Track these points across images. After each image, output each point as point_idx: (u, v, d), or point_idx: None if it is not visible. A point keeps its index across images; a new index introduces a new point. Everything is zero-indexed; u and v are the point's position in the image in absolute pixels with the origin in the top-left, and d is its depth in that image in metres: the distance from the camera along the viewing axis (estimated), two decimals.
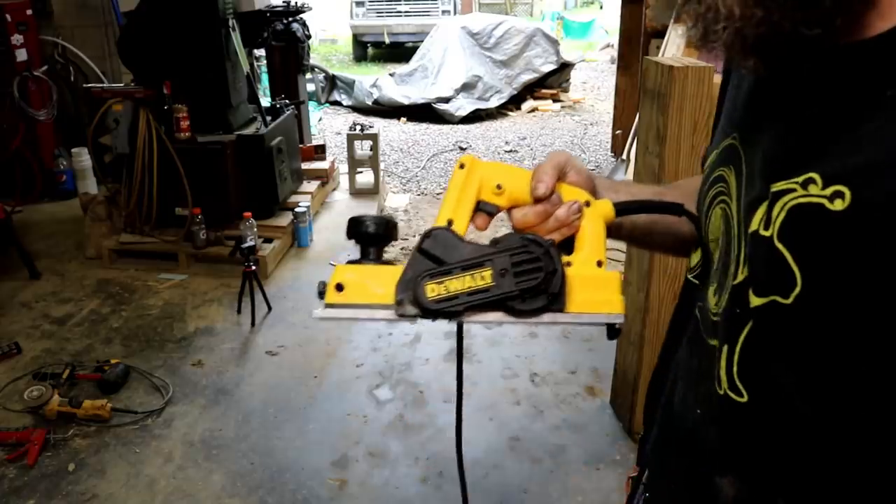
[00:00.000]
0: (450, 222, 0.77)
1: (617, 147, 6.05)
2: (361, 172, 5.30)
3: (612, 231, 0.85)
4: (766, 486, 0.64)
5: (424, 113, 7.98)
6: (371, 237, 0.77)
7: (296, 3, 4.86)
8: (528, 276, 0.72)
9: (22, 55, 4.94)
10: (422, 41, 9.04)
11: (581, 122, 7.90)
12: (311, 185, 4.90)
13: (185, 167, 3.96)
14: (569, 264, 0.76)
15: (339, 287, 0.74)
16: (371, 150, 5.20)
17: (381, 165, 5.44)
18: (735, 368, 0.65)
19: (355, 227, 0.78)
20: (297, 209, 4.35)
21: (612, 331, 0.77)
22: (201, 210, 3.96)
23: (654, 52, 4.62)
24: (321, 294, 0.75)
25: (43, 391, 2.84)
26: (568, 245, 0.79)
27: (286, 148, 4.40)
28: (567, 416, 2.87)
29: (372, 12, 11.69)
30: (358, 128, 5.34)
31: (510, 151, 6.78)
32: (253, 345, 3.40)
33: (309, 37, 5.56)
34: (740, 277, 0.66)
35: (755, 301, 0.62)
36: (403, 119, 8.03)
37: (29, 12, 5.03)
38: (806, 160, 0.58)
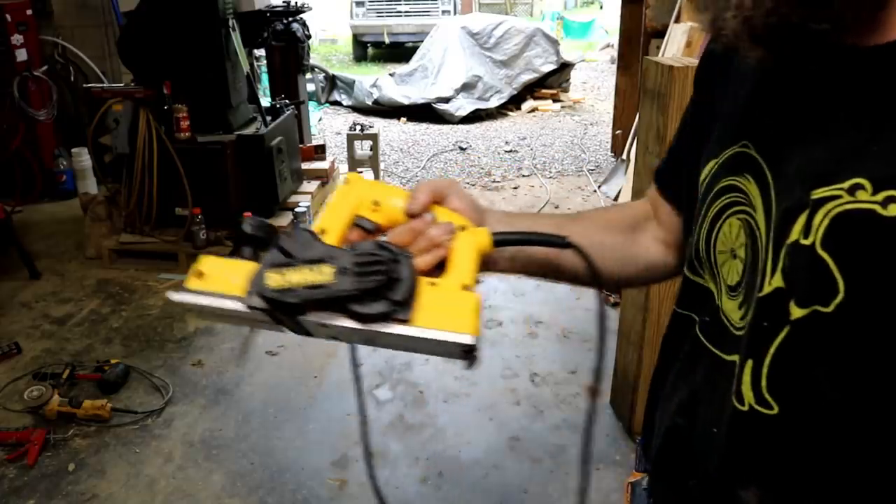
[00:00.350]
0: (321, 231, 0.77)
1: (617, 147, 6.05)
2: (361, 172, 5.30)
3: (503, 264, 0.84)
4: (794, 494, 0.63)
5: (424, 113, 7.97)
6: (247, 238, 0.78)
7: (296, 3, 4.86)
8: (369, 277, 0.70)
9: (22, 55, 4.93)
10: (422, 41, 9.03)
11: (581, 122, 7.90)
12: (311, 185, 4.90)
13: (185, 167, 3.96)
14: (433, 284, 0.74)
15: (199, 274, 0.74)
16: (371, 150, 5.21)
17: (381, 165, 5.45)
18: (764, 382, 0.64)
19: (236, 228, 0.79)
20: (297, 209, 4.35)
21: (467, 355, 0.73)
22: (201, 210, 3.96)
23: (654, 52, 4.62)
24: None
25: (43, 391, 2.84)
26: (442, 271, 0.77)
27: (286, 148, 4.40)
28: (567, 416, 2.87)
29: (372, 12, 11.68)
30: (358, 128, 5.34)
31: (510, 151, 6.78)
32: (253, 345, 3.40)
33: (309, 37, 5.56)
34: (767, 289, 0.64)
35: (796, 312, 0.61)
36: (403, 119, 8.02)
37: (29, 12, 5.03)
38: (848, 165, 0.58)
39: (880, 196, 0.54)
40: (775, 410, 0.64)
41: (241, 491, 2.49)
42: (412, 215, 0.77)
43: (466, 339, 0.70)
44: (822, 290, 0.58)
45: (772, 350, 0.63)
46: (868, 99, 0.58)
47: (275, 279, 0.71)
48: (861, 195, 0.56)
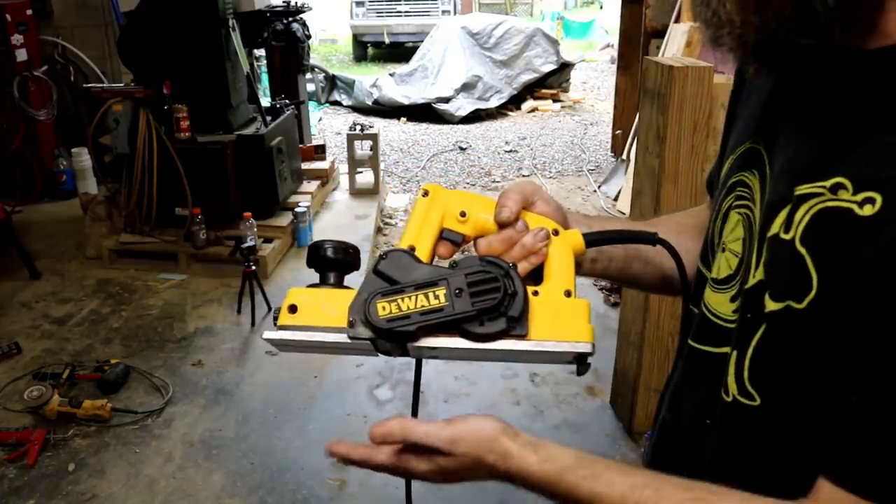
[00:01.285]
0: (412, 248, 0.74)
1: (617, 147, 6.05)
2: (361, 172, 5.30)
3: (586, 266, 0.84)
4: (778, 484, 0.64)
5: (424, 113, 7.98)
6: (329, 262, 0.75)
7: (296, 3, 4.86)
8: (486, 297, 0.69)
9: (22, 55, 4.93)
10: (422, 41, 9.04)
11: (581, 122, 7.90)
12: (311, 185, 4.90)
13: (185, 167, 3.95)
14: (536, 293, 0.72)
15: (293, 308, 0.71)
16: (371, 150, 5.20)
17: (381, 165, 5.44)
18: (746, 374, 0.65)
19: (314, 252, 0.75)
20: (297, 209, 4.35)
21: (581, 364, 0.73)
22: (201, 210, 3.96)
23: (654, 52, 4.62)
24: (276, 319, 0.72)
25: (43, 391, 2.84)
26: (537, 277, 0.75)
27: (286, 148, 4.40)
28: (567, 416, 2.87)
29: (372, 12, 11.68)
30: (358, 128, 5.34)
31: (510, 151, 6.78)
32: (253, 345, 3.40)
33: (309, 37, 5.56)
34: (752, 281, 0.65)
35: (771, 305, 0.62)
36: (403, 119, 8.03)
37: (29, 12, 5.03)
38: (833, 164, 0.58)
39: (859, 196, 0.55)
40: (757, 402, 0.65)
41: (241, 491, 2.49)
42: (504, 224, 0.75)
43: (585, 348, 0.71)
44: (797, 286, 0.59)
45: (753, 342, 0.64)
46: (861, 100, 0.59)
47: (385, 307, 0.69)
48: (842, 194, 0.57)
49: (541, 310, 0.71)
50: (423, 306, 0.69)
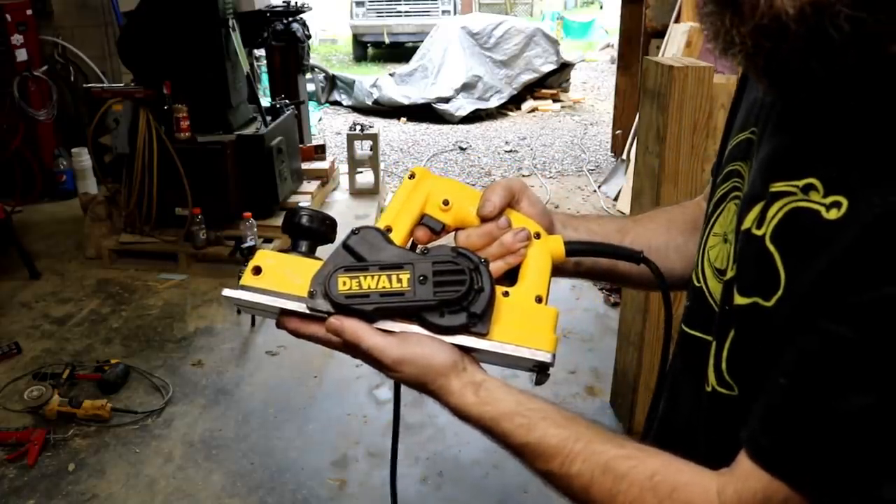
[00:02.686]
0: (388, 228, 0.73)
1: (617, 147, 6.05)
2: (361, 172, 5.30)
3: (567, 268, 0.82)
4: None
5: (424, 113, 7.97)
6: (303, 230, 0.73)
7: (296, 3, 4.86)
8: (449, 288, 0.67)
9: (22, 55, 4.93)
10: (422, 41, 9.03)
11: (581, 122, 7.90)
12: (311, 185, 4.90)
13: (185, 167, 3.95)
14: (506, 294, 0.71)
15: (257, 270, 0.70)
16: (371, 150, 5.20)
17: (381, 165, 5.44)
18: (724, 364, 0.66)
19: (289, 218, 0.74)
20: (291, 208, 4.34)
21: (541, 373, 0.71)
22: (201, 210, 3.96)
23: (654, 52, 4.62)
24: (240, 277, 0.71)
25: (43, 391, 2.84)
26: (512, 278, 0.74)
27: (286, 148, 4.40)
28: None
29: (372, 12, 11.68)
30: (358, 128, 5.34)
31: (510, 151, 6.78)
32: (253, 345, 3.40)
33: (309, 37, 5.56)
34: (730, 274, 0.66)
35: (738, 300, 0.63)
36: (403, 119, 8.03)
37: (29, 12, 5.03)
38: (809, 164, 0.58)
39: (828, 199, 0.55)
40: (735, 392, 0.65)
41: (241, 491, 2.49)
42: (485, 218, 0.74)
43: (544, 357, 0.70)
44: (765, 283, 0.59)
45: (731, 334, 0.65)
46: (843, 102, 0.59)
47: (346, 283, 0.67)
48: (813, 195, 0.57)
49: (507, 312, 0.70)
50: (383, 287, 0.67)
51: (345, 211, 4.97)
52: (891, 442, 0.52)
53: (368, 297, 0.67)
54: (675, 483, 0.61)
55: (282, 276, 0.70)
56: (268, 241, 4.14)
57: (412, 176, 0.76)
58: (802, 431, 0.55)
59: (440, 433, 2.75)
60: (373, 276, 0.67)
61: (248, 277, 0.70)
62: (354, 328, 0.68)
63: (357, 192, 5.26)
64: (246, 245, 3.52)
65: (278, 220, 4.30)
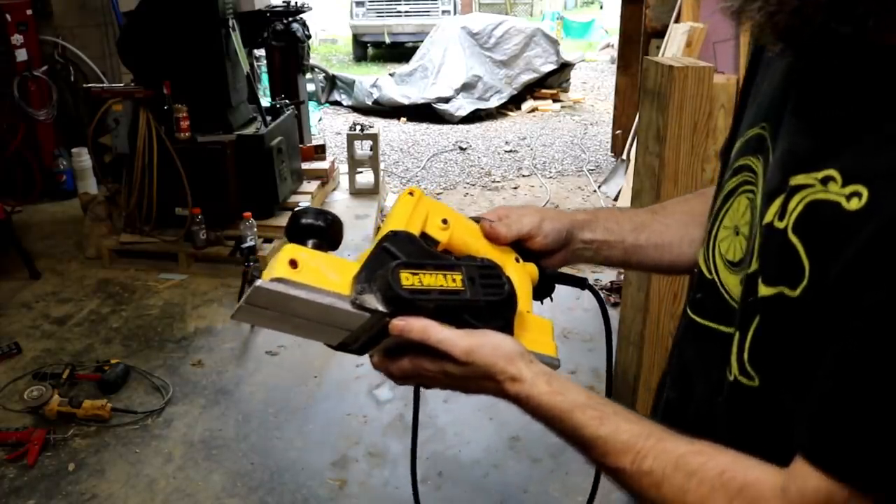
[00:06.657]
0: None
1: (617, 147, 6.05)
2: (361, 172, 5.30)
3: (587, 254, 0.94)
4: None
5: (424, 113, 7.97)
6: (305, 229, 0.73)
7: (296, 3, 4.86)
8: (494, 291, 0.71)
9: (22, 55, 4.93)
10: (422, 41, 9.03)
11: (581, 122, 7.90)
12: (311, 185, 4.90)
13: (185, 167, 3.95)
14: None
15: (294, 263, 0.65)
16: (371, 150, 5.20)
17: (381, 165, 5.44)
18: (746, 355, 0.66)
19: (294, 220, 0.74)
20: (296, 209, 4.34)
21: None
22: (201, 210, 3.96)
23: (654, 52, 4.62)
24: (252, 279, 0.71)
25: (43, 391, 2.84)
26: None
27: (286, 148, 4.40)
28: None
29: (372, 12, 11.68)
30: (358, 128, 5.34)
31: (510, 151, 6.78)
32: (253, 345, 3.40)
33: (309, 37, 5.56)
34: (754, 266, 0.66)
35: (763, 291, 0.63)
36: (403, 119, 8.02)
37: (29, 12, 5.03)
38: (827, 156, 0.59)
39: (847, 190, 0.56)
40: (756, 383, 0.66)
41: (241, 491, 2.49)
42: (493, 239, 0.83)
43: (553, 362, 0.78)
44: (790, 273, 0.59)
45: (753, 325, 0.65)
46: (867, 95, 0.59)
47: (409, 279, 0.67)
48: (832, 187, 0.57)
49: (518, 321, 0.76)
50: (441, 285, 0.69)
51: (345, 211, 4.96)
52: None
53: (430, 293, 0.68)
54: (744, 480, 0.61)
55: (318, 271, 0.67)
56: (268, 241, 4.14)
57: (411, 193, 0.80)
58: (857, 432, 0.55)
59: (440, 433, 2.75)
60: (432, 275, 0.69)
61: (284, 269, 0.65)
62: (422, 323, 0.68)
63: (357, 192, 5.26)
64: (246, 245, 3.52)
65: (278, 221, 4.31)
